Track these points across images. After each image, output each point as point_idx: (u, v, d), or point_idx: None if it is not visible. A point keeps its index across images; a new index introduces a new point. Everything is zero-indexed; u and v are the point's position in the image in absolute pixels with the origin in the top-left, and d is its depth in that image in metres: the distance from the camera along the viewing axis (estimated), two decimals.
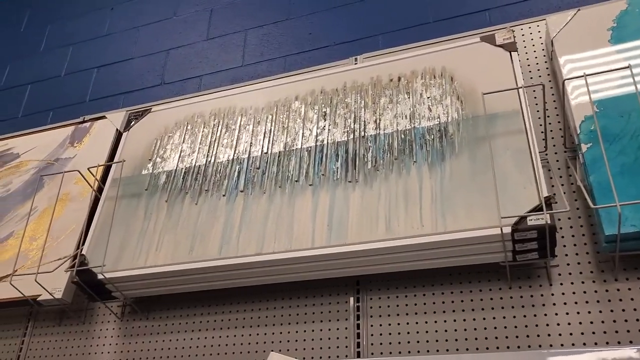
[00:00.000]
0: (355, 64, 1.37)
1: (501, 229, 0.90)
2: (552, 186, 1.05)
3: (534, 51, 1.22)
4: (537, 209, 0.90)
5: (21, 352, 1.31)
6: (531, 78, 1.19)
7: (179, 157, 1.30)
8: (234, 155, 1.24)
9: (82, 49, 2.01)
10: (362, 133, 1.15)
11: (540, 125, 1.12)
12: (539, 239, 0.91)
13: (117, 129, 1.47)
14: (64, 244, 1.31)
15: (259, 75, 1.62)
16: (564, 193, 1.04)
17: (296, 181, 1.13)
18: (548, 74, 1.18)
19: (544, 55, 1.21)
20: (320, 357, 1.06)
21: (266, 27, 1.70)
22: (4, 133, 1.74)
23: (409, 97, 1.16)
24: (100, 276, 1.14)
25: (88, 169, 1.29)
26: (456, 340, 0.99)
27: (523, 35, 1.25)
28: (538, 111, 1.15)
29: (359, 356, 1.03)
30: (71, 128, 1.58)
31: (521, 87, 1.02)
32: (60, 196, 1.39)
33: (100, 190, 1.33)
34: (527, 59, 1.21)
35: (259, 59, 1.66)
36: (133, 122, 1.42)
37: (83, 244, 1.22)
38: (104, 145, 1.46)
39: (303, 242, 1.04)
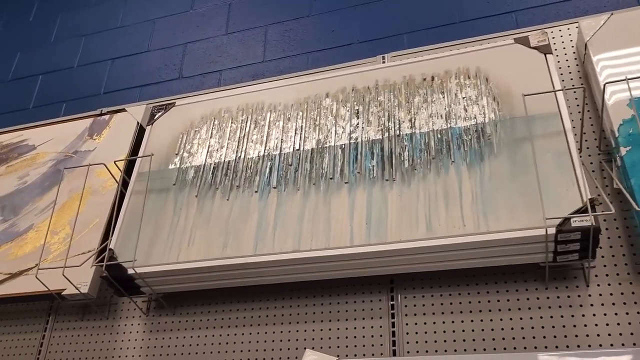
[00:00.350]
0: (384, 62, 1.37)
1: (546, 230, 0.91)
2: None
3: (565, 54, 1.23)
4: (581, 211, 0.91)
5: (42, 347, 1.29)
6: (563, 81, 1.20)
7: (207, 152, 1.28)
8: (264, 152, 1.23)
9: (95, 40, 1.98)
10: (397, 132, 1.15)
11: (574, 127, 1.13)
12: (581, 240, 0.92)
13: (138, 122, 1.45)
14: (87, 238, 1.29)
15: (280, 72, 1.61)
16: (599, 195, 1.05)
17: (331, 179, 1.13)
18: (580, 77, 1.19)
19: (575, 59, 1.22)
20: (356, 355, 1.06)
21: (287, 23, 1.69)
22: (15, 124, 1.71)
23: (443, 97, 1.16)
24: (130, 271, 1.12)
25: (115, 162, 1.27)
26: (493, 339, 1.00)
27: (554, 37, 1.25)
28: (571, 114, 1.16)
29: (394, 354, 1.04)
30: (89, 120, 1.56)
31: (563, 90, 1.03)
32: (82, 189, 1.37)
33: (124, 184, 1.31)
34: (558, 61, 1.22)
35: (280, 54, 1.65)
36: (157, 116, 1.40)
37: (110, 237, 1.20)
38: (125, 139, 1.44)
39: (341, 240, 1.04)
